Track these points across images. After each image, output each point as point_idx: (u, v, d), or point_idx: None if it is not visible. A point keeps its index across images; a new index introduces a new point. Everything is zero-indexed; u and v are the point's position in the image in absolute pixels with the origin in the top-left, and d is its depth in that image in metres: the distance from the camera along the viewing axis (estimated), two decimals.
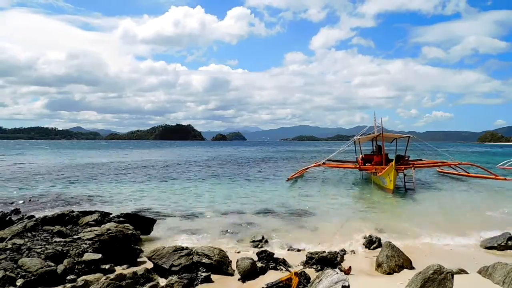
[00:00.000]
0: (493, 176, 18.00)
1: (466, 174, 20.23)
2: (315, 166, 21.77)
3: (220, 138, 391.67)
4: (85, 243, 6.63)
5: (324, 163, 21.47)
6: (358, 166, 19.28)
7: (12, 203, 12.58)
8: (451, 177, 21.31)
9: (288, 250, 7.61)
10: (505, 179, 16.88)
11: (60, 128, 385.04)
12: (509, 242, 7.57)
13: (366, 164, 18.88)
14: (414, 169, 16.21)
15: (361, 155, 20.33)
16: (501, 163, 30.24)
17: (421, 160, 22.72)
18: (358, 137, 20.19)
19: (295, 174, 21.08)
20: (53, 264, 5.64)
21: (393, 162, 14.66)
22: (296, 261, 6.59)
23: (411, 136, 20.00)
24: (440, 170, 23.03)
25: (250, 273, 5.88)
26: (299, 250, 7.55)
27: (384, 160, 17.23)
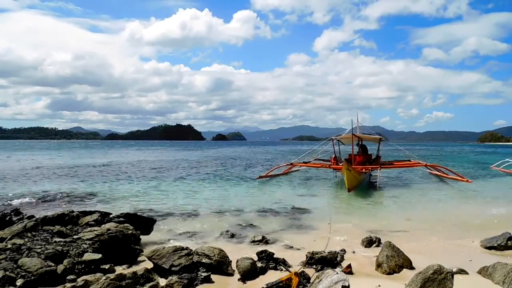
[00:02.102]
0: (460, 178, 18.98)
1: (445, 175, 21.02)
2: (287, 166, 22.78)
3: (220, 138, 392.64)
4: (85, 243, 6.63)
5: (293, 163, 22.54)
6: (329, 165, 19.88)
7: (12, 203, 12.58)
8: (435, 178, 21.89)
9: (288, 250, 7.62)
10: (467, 180, 18.04)
11: (60, 128, 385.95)
12: (509, 242, 7.56)
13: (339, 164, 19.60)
14: (380, 169, 17.27)
15: (334, 155, 21.20)
16: (495, 164, 29.56)
17: (409, 161, 23.14)
18: (333, 137, 21.09)
19: (268, 173, 21.81)
20: (53, 264, 5.64)
21: (345, 162, 15.31)
22: (296, 261, 6.59)
23: (382, 138, 21.67)
24: (431, 172, 23.65)
25: (250, 273, 5.88)
26: (299, 250, 7.56)
27: (354, 160, 18.89)
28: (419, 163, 21.28)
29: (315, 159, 23.28)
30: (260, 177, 20.78)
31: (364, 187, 16.58)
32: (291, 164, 22.91)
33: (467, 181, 18.02)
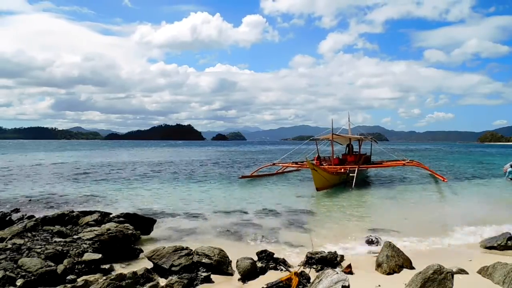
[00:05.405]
0: (439, 176, 19.27)
1: (431, 172, 21.07)
2: (267, 166, 22.94)
3: (220, 138, 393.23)
4: (85, 243, 6.63)
5: (275, 163, 22.92)
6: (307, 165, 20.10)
7: (12, 203, 12.58)
8: (430, 177, 21.71)
9: (288, 250, 7.61)
10: (444, 179, 18.42)
11: (60, 128, 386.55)
12: (509, 242, 7.57)
13: (322, 164, 19.66)
14: (357, 169, 17.55)
15: (318, 154, 21.52)
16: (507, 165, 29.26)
17: (406, 160, 23.04)
18: (317, 137, 21.32)
19: (253, 173, 22.09)
20: (53, 264, 5.64)
21: (308, 162, 15.78)
22: (296, 261, 6.59)
23: (362, 137, 22.08)
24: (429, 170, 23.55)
25: (250, 273, 5.88)
26: (298, 250, 7.55)
27: (346, 159, 19.88)
28: (399, 161, 21.27)
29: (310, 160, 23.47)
30: (243, 177, 20.86)
31: (339, 188, 16.60)
32: (273, 164, 23.20)
33: (444, 180, 18.38)
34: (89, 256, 6.10)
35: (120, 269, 6.15)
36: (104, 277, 5.30)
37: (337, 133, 19.53)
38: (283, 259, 6.55)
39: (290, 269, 6.04)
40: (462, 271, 5.88)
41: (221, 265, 6.14)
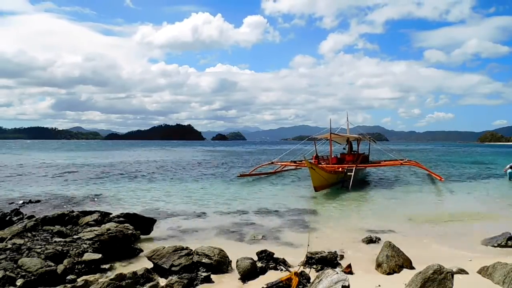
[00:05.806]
0: (436, 175, 19.26)
1: (428, 171, 20.95)
2: (266, 165, 23.16)
3: (220, 138, 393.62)
4: (85, 243, 6.63)
5: (273, 162, 23.17)
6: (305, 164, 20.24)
7: (12, 203, 12.58)
8: (429, 177, 21.54)
9: (288, 249, 7.61)
10: (441, 179, 18.44)
11: (60, 128, 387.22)
12: (509, 242, 7.57)
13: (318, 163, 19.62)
14: (355, 168, 17.49)
15: (316, 153, 21.53)
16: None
17: (404, 160, 23.00)
18: (315, 136, 21.53)
19: (251, 171, 22.21)
20: (53, 264, 5.64)
21: (307, 161, 15.67)
22: (296, 261, 6.59)
23: (361, 137, 22.22)
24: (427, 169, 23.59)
25: (250, 273, 5.88)
26: (299, 249, 7.54)
27: (344, 158, 20.22)
28: (396, 161, 21.24)
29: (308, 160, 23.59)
30: (242, 175, 20.89)
31: (338, 188, 16.58)
32: (272, 162, 23.30)
33: (440, 179, 18.42)
34: (89, 256, 6.10)
35: (120, 269, 6.15)
36: (104, 277, 5.31)
37: (335, 133, 19.57)
38: (283, 259, 6.55)
39: (290, 269, 6.04)
40: (462, 271, 5.87)
41: (221, 265, 6.14)
